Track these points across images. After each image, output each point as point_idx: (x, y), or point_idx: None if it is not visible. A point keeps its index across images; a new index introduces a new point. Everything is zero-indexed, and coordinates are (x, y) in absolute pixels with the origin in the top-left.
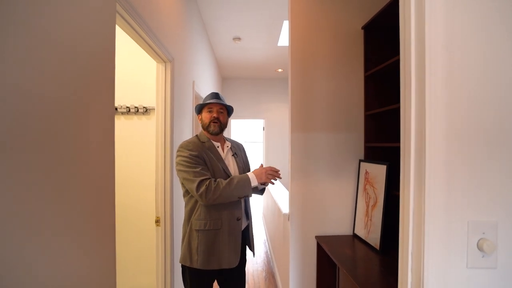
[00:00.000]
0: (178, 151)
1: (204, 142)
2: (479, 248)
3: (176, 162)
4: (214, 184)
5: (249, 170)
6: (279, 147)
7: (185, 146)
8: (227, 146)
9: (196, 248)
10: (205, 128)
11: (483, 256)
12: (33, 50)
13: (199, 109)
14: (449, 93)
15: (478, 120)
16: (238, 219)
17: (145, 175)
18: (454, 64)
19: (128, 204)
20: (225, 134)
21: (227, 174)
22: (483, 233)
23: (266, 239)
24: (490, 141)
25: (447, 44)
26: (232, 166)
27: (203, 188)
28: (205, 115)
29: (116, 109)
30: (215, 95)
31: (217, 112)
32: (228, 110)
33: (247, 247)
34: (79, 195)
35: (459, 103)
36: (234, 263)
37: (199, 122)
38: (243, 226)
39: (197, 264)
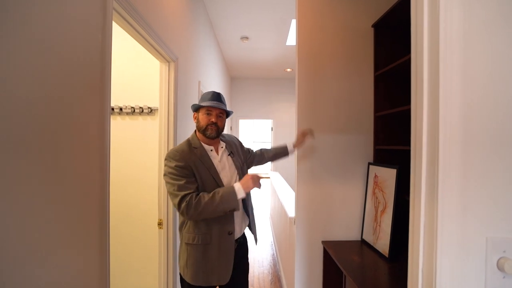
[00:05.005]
0: (165, 159)
1: (196, 148)
2: (500, 268)
3: (164, 172)
4: (194, 200)
5: (246, 162)
6: None
7: (172, 156)
8: (222, 147)
9: (185, 262)
10: (201, 130)
11: (504, 277)
12: (19, 51)
13: (196, 108)
14: (466, 94)
15: (500, 125)
16: (230, 233)
17: (151, 175)
18: (472, 62)
19: (133, 204)
20: (233, 133)
21: (217, 184)
22: (504, 251)
23: (273, 241)
24: None
25: (464, 41)
26: (227, 169)
27: (183, 205)
28: (203, 118)
29: (121, 109)
30: (216, 97)
31: (215, 117)
32: (228, 114)
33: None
34: (62, 196)
35: (477, 106)
36: (225, 280)
37: (194, 121)
38: (244, 227)
39: (187, 277)
